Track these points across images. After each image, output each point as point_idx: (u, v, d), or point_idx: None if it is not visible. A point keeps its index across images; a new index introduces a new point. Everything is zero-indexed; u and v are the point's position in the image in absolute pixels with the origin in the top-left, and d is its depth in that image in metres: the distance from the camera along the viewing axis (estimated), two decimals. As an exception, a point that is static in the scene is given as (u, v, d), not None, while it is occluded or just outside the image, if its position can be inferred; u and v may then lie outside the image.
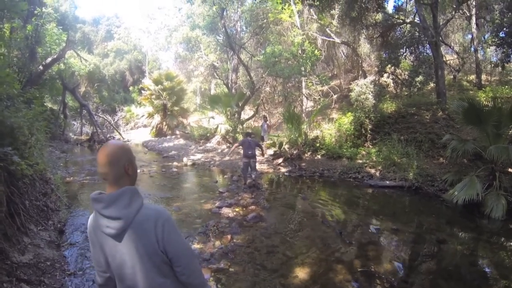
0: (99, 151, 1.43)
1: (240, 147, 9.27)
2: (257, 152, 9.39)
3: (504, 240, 5.75)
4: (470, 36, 16.26)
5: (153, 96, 21.98)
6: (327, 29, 16.54)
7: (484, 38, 15.38)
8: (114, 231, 1.34)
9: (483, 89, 12.58)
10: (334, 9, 15.33)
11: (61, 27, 16.66)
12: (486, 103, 7.68)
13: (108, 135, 19.48)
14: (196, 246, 4.88)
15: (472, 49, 15.36)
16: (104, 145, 1.45)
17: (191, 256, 1.46)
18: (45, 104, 15.51)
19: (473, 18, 14.42)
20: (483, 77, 15.07)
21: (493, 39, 11.78)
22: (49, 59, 14.89)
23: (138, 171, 10.32)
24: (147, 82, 23.35)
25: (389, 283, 4.04)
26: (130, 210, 1.34)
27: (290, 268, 4.32)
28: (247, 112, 20.84)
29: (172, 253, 1.37)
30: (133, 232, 1.34)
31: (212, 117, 19.48)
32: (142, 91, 23.66)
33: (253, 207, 6.89)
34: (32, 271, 3.63)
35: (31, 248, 4.06)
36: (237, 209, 6.73)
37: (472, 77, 15.69)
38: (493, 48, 13.69)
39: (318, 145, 12.18)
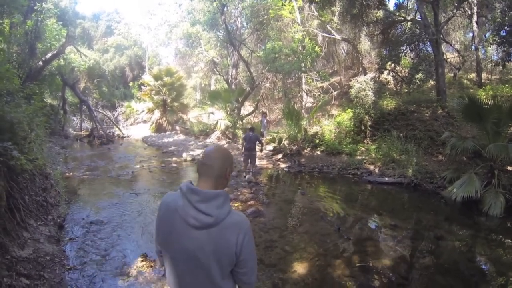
0: (213, 146, 1.57)
1: (244, 142, 9.68)
2: (257, 147, 9.62)
3: (502, 237, 5.78)
4: (471, 35, 16.23)
5: (153, 92, 21.95)
6: (327, 26, 16.49)
7: (485, 36, 15.33)
8: (199, 224, 1.39)
9: (484, 87, 12.58)
10: (335, 6, 15.27)
11: (61, 22, 16.55)
12: (486, 101, 7.67)
13: (108, 131, 19.44)
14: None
15: (473, 47, 15.32)
16: (217, 144, 1.54)
17: (255, 259, 1.54)
18: (44, 99, 15.50)
19: (474, 17, 14.38)
20: (484, 75, 15.04)
21: (494, 38, 11.75)
22: (49, 55, 14.84)
23: (137, 166, 10.56)
24: (147, 77, 23.28)
25: (387, 278, 4.07)
26: (221, 212, 1.41)
27: (289, 263, 4.35)
28: (247, 108, 20.82)
29: (243, 256, 1.44)
30: (218, 231, 1.40)
31: (212, 113, 19.49)
32: (142, 87, 23.59)
33: (252, 202, 6.91)
34: (32, 266, 3.64)
35: (31, 243, 4.07)
36: (236, 204, 6.75)
37: (473, 75, 15.67)
38: (494, 46, 13.66)
39: (317, 141, 12.20)
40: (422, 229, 5.96)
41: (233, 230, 1.42)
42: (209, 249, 1.40)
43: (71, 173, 9.16)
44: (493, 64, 14.11)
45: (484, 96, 10.09)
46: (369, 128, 11.78)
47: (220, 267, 1.43)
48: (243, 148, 9.49)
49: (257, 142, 9.46)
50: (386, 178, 9.15)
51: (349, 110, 12.41)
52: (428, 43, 12.91)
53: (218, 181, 1.50)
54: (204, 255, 1.41)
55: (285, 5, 15.68)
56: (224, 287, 1.48)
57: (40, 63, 14.67)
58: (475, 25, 14.36)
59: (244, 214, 6.10)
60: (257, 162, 10.30)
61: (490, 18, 13.58)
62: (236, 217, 1.46)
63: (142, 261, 4.17)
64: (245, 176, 9.23)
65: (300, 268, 4.20)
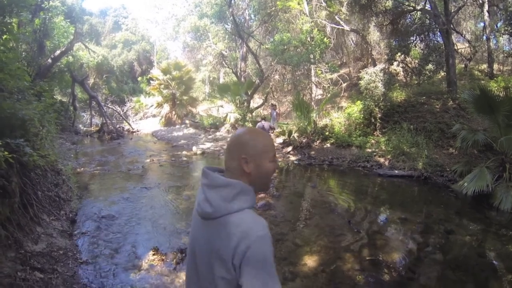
0: (234, 136, 1.26)
1: None
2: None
3: (513, 232, 5.71)
4: (482, 24, 15.87)
5: (162, 86, 21.99)
6: (336, 17, 16.34)
7: (496, 26, 14.99)
8: (200, 211, 1.19)
9: (495, 78, 12.35)
10: (344, -4, 15.12)
11: (69, 19, 16.73)
12: (498, 93, 7.53)
13: (118, 126, 19.60)
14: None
15: (484, 37, 15.01)
16: (241, 129, 1.28)
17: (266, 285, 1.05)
18: (54, 96, 15.69)
19: (486, 6, 14.07)
20: (495, 66, 14.78)
21: (506, 28, 11.51)
22: (58, 52, 15.00)
23: (147, 160, 10.66)
24: (155, 72, 23.32)
25: (396, 272, 4.07)
26: (226, 205, 1.13)
27: (299, 256, 4.37)
28: (256, 100, 20.81)
29: (244, 277, 1.05)
30: (214, 226, 1.14)
31: (221, 106, 19.50)
32: (151, 81, 23.66)
33: (262, 195, 6.94)
34: (46, 260, 3.71)
35: (44, 238, 4.15)
36: (246, 197, 6.76)
37: (484, 66, 15.38)
38: (506, 37, 13.37)
39: (327, 133, 12.16)
40: (432, 223, 5.92)
41: (234, 232, 1.08)
42: (205, 244, 1.18)
43: (82, 169, 9.28)
44: (505, 54, 13.82)
45: (496, 88, 9.92)
46: (379, 120, 11.69)
47: (224, 271, 1.11)
48: None
49: (270, 129, 10.41)
50: (396, 171, 9.09)
51: (358, 102, 12.32)
52: (438, 33, 12.70)
53: (234, 173, 1.21)
54: (200, 250, 1.20)
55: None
56: None
57: (49, 60, 14.85)
58: (486, 14, 14.05)
59: (254, 207, 6.15)
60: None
61: (502, 8, 13.26)
62: (246, 220, 1.11)
63: (153, 254, 4.23)
64: None
65: (310, 261, 4.22)
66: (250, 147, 1.20)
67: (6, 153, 2.97)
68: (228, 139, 1.28)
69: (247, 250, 1.04)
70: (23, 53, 13.29)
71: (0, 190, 3.35)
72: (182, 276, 3.76)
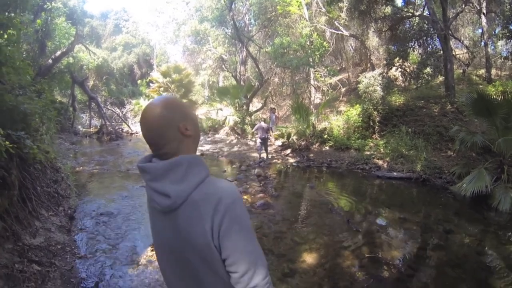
0: (148, 105, 1.12)
1: (256, 130, 11.36)
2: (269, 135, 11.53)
3: (511, 233, 5.71)
4: (480, 30, 15.98)
5: (162, 89, 22.04)
6: (335, 22, 16.43)
7: (494, 32, 15.10)
8: (160, 208, 1.06)
9: (493, 83, 12.43)
10: (343, 2, 15.21)
11: (70, 21, 16.79)
12: (496, 96, 7.59)
13: (117, 127, 19.62)
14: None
15: (482, 43, 15.11)
16: (148, 104, 1.13)
17: (256, 261, 1.02)
18: (54, 97, 15.69)
19: (483, 12, 14.17)
20: (493, 71, 14.85)
21: (503, 32, 11.59)
22: (58, 53, 15.04)
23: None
24: (155, 74, 23.40)
25: (396, 270, 4.08)
26: (183, 187, 1.02)
27: (298, 253, 4.37)
28: (255, 104, 20.87)
29: (228, 252, 1.00)
30: (184, 213, 1.02)
31: (221, 109, 19.53)
32: (150, 84, 23.73)
33: (261, 194, 6.96)
34: (43, 253, 3.71)
35: (42, 232, 4.14)
36: (245, 197, 6.80)
37: (482, 71, 15.45)
38: (503, 42, 13.47)
39: (326, 136, 12.19)
40: (431, 222, 5.93)
41: (205, 209, 0.99)
42: (186, 241, 1.04)
43: (81, 168, 9.27)
44: (503, 59, 13.92)
45: (494, 92, 9.96)
46: (377, 123, 11.73)
47: (208, 264, 1.03)
48: (257, 136, 11.15)
49: (268, 131, 11.27)
50: (395, 173, 9.10)
51: (357, 105, 12.38)
52: (437, 38, 12.79)
53: (172, 147, 1.09)
54: (177, 247, 1.07)
55: (292, 1, 15.64)
56: None
57: (50, 61, 14.88)
58: (484, 20, 14.16)
59: (253, 206, 6.29)
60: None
61: (499, 13, 13.37)
62: (208, 190, 1.03)
63: (151, 250, 4.22)
64: (254, 169, 9.54)
65: (309, 258, 4.23)
66: (179, 112, 1.11)
67: (7, 142, 2.97)
68: (146, 118, 1.08)
69: (224, 216, 0.99)
70: (24, 53, 13.31)
71: (0, 180, 3.35)
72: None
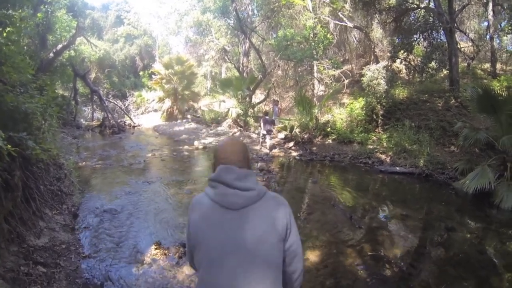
0: (230, 142, 1.54)
1: (260, 123, 12.30)
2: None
3: (513, 231, 5.71)
4: (486, 24, 15.76)
5: (164, 81, 21.95)
6: (339, 13, 16.24)
7: (500, 26, 14.89)
8: (242, 200, 1.30)
9: (498, 78, 12.31)
10: (347, -7, 15.02)
11: (71, 13, 16.67)
12: (501, 92, 7.50)
13: (119, 120, 19.56)
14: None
15: (488, 37, 14.92)
16: (231, 138, 1.65)
17: (302, 250, 1.43)
18: (56, 90, 15.68)
19: (490, 5, 13.96)
20: (498, 66, 14.70)
21: (510, 27, 11.40)
22: (60, 46, 14.95)
23: (149, 155, 10.68)
24: (157, 66, 23.27)
25: (398, 267, 4.09)
26: (260, 187, 1.36)
27: (301, 251, 4.37)
28: (258, 96, 20.79)
29: (291, 243, 1.35)
30: (264, 204, 1.33)
31: (223, 101, 19.47)
32: (153, 76, 23.61)
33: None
34: (48, 254, 3.72)
35: (47, 232, 4.16)
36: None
37: (487, 65, 15.31)
38: (509, 36, 13.27)
39: (329, 129, 12.19)
40: (433, 219, 5.94)
41: (278, 202, 1.36)
42: (255, 229, 1.28)
43: (83, 163, 9.29)
44: (508, 54, 13.73)
45: (498, 87, 9.86)
46: (380, 117, 11.69)
47: (271, 252, 1.28)
48: (262, 128, 11.95)
49: (272, 123, 12.14)
50: (398, 168, 9.09)
51: (360, 98, 12.32)
52: (442, 31, 12.63)
53: (246, 164, 1.46)
54: (248, 242, 1.26)
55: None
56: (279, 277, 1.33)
57: (51, 54, 14.81)
58: (490, 13, 13.94)
59: None
60: (269, 150, 11.64)
61: (506, 7, 13.16)
62: (274, 194, 1.42)
63: (156, 248, 4.24)
64: (257, 163, 9.66)
65: (312, 255, 4.24)
66: (245, 150, 1.51)
67: (9, 146, 2.96)
68: (233, 145, 1.52)
69: (290, 213, 1.37)
70: (25, 47, 13.26)
71: (3, 184, 3.35)
72: (185, 270, 3.77)
